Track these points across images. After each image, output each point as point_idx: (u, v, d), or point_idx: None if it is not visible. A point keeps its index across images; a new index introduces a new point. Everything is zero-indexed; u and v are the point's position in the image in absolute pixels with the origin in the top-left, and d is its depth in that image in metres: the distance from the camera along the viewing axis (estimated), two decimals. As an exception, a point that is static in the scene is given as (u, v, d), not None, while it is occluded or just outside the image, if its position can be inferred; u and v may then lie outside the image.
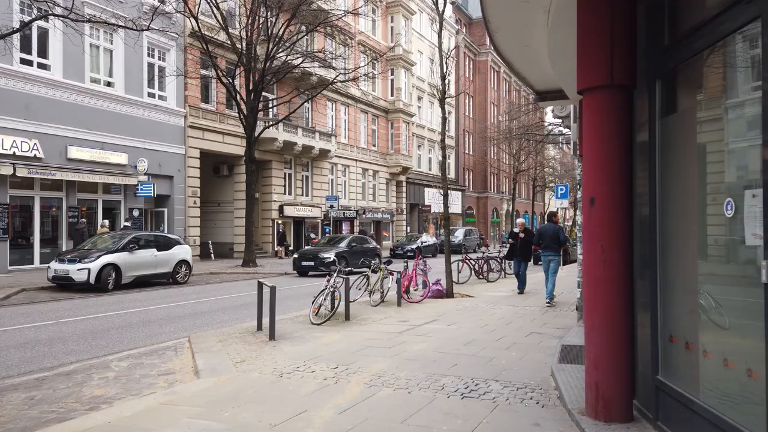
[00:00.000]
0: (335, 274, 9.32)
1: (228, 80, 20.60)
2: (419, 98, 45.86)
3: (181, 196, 23.66)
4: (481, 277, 16.80)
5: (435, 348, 6.86)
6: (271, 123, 24.05)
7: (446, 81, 13.16)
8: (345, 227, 35.76)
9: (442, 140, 13.39)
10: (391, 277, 11.30)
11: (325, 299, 9.09)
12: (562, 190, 22.44)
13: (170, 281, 16.19)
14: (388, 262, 11.66)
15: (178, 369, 6.21)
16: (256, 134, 22.14)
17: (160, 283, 16.08)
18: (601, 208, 3.86)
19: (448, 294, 12.65)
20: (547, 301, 11.22)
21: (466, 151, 56.57)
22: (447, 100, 47.17)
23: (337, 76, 24.44)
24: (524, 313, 9.91)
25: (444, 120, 13.23)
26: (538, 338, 7.50)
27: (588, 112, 4.01)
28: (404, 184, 42.68)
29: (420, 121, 45.82)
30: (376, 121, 39.23)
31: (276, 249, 27.63)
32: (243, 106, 21.16)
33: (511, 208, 58.37)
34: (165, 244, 16.26)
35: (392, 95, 40.28)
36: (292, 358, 6.32)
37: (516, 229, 13.82)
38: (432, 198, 47.33)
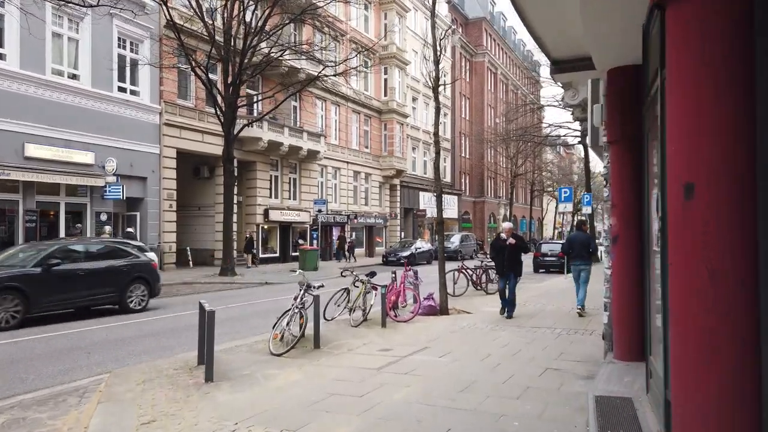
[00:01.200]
0: (302, 290, 7.62)
1: (203, 72, 18.87)
2: (414, 99, 44.27)
3: (156, 198, 21.90)
4: (479, 288, 15.12)
5: (421, 396, 5.15)
6: (251, 120, 22.30)
7: (440, 67, 11.48)
8: (335, 232, 34.04)
9: (435, 133, 11.74)
10: (374, 291, 9.60)
11: (290, 321, 7.38)
12: (565, 192, 20.88)
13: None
14: (371, 275, 9.96)
15: (65, 431, 4.49)
16: (236, 132, 20.43)
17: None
18: (709, 199, 2.14)
19: (443, 310, 10.96)
20: (579, 308, 10.83)
21: (463, 154, 54.99)
22: (443, 101, 45.44)
23: (323, 69, 22.71)
24: (533, 338, 8.22)
25: (437, 110, 11.58)
26: (558, 378, 5.79)
27: (679, 31, 2.32)
28: (398, 187, 41.01)
29: (415, 123, 44.20)
30: (368, 121, 37.58)
31: (246, 256, 25.57)
32: (219, 100, 19.45)
33: (508, 213, 56.81)
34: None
35: (386, 95, 38.66)
36: (221, 415, 4.59)
37: (503, 235, 10.90)
38: (427, 202, 45.69)
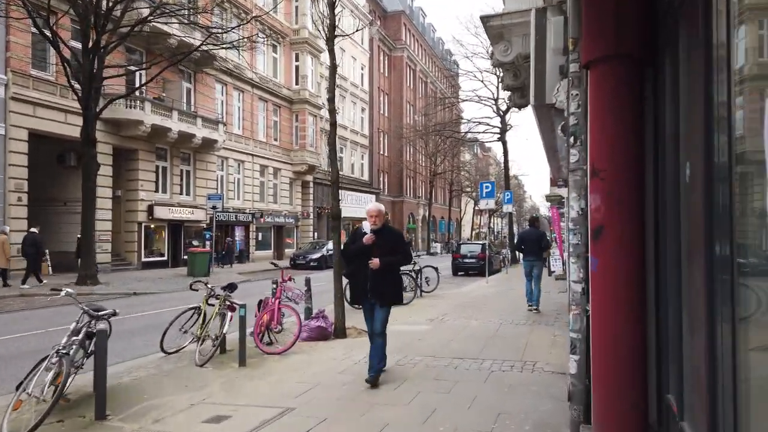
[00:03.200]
0: (80, 316, 4.66)
1: (48, 31, 15.04)
2: (329, 90, 41.41)
3: (0, 190, 17.70)
4: (390, 298, 12.54)
5: None
6: (116, 97, 18.30)
7: (336, 13, 8.78)
8: (238, 232, 30.54)
9: (330, 99, 9.00)
10: (229, 314, 6.71)
11: (47, 381, 4.35)
12: (487, 188, 18.87)
13: None
14: (230, 288, 7.06)
15: None
16: (98, 109, 16.72)
17: None
18: None
19: (338, 331, 8.28)
20: (534, 306, 10.98)
21: (381, 152, 52.82)
22: (359, 94, 43.25)
23: (208, 36, 19.38)
24: (454, 382, 5.70)
25: (333, 69, 8.83)
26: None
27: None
28: (311, 184, 38.02)
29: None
30: (278, 111, 34.32)
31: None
32: (73, 70, 15.73)
33: (428, 214, 55.31)
34: None
35: (297, 83, 35.55)
36: None
37: (365, 228, 5.84)
38: (343, 200, 42.99)
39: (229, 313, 6.64)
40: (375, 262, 5.49)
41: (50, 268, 20.11)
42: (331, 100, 8.98)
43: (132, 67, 20.64)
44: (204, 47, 21.90)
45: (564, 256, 21.02)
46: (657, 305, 3.28)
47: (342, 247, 7.07)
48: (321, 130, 39.13)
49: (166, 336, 6.92)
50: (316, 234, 38.52)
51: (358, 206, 46.18)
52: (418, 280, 14.01)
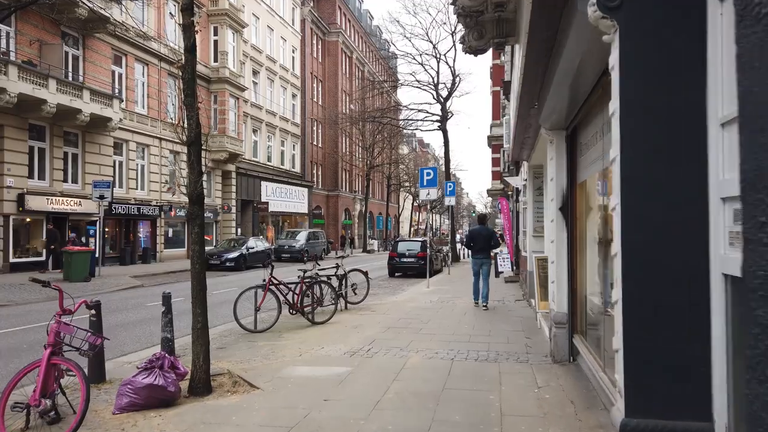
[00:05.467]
0: None
1: None
2: (255, 72, 37.56)
3: None
4: (296, 311, 9.29)
5: None
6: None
7: None
8: (143, 228, 26.37)
9: (189, 47, 5.68)
10: None
11: None
12: (428, 174, 16.04)
13: None
14: None
15: None
16: None
17: None
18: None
19: (196, 387, 5.07)
20: (484, 304, 10.87)
21: (314, 142, 49.28)
22: (290, 78, 39.27)
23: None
24: None
25: (191, 49, 5.54)
26: None
27: None
28: (233, 174, 34.06)
29: (256, 100, 37.52)
30: (192, 91, 30.14)
31: None
32: None
33: (364, 209, 52.29)
34: None
35: (216, 61, 31.52)
36: None
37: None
38: (272, 194, 39.31)
39: None
40: None
41: None
42: (189, 48, 5.67)
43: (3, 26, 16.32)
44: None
45: (512, 255, 18.53)
46: None
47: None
48: (244, 114, 35.22)
49: None
50: (239, 230, 34.65)
51: (288, 200, 42.51)
52: (343, 287, 10.90)
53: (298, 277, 9.58)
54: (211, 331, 8.72)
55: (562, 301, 6.07)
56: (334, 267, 10.87)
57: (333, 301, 10.00)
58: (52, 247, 18.17)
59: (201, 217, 5.73)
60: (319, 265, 10.54)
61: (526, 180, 12.19)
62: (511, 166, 20.82)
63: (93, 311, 5.52)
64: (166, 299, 6.75)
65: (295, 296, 9.14)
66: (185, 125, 5.66)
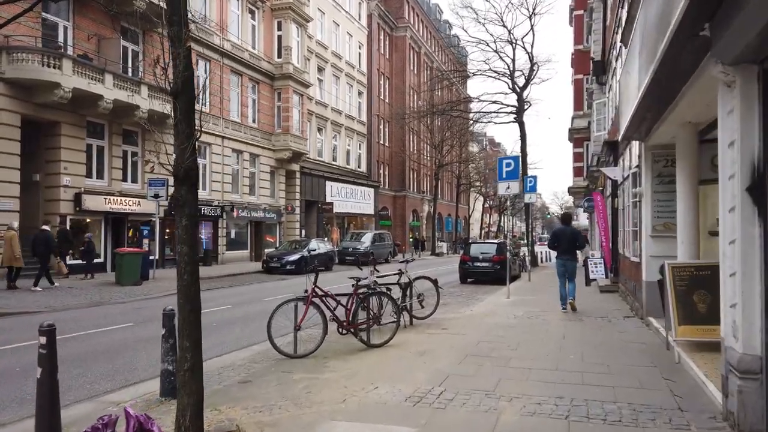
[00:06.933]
0: None
1: None
2: (320, 69, 36.39)
3: None
4: (345, 332, 7.37)
5: None
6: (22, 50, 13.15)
7: None
8: (204, 229, 25.57)
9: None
10: None
11: None
12: (509, 165, 13.74)
13: None
14: None
15: None
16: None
17: None
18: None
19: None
20: (571, 299, 10.69)
21: (381, 141, 47.68)
22: (357, 76, 37.85)
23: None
24: None
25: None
26: None
27: None
28: (297, 174, 32.96)
29: (321, 98, 36.35)
30: (256, 88, 29.28)
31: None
32: None
33: (433, 210, 50.05)
34: None
35: (280, 56, 30.51)
36: None
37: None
38: (337, 194, 38.01)
39: None
40: None
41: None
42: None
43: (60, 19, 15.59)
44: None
45: (609, 260, 15.83)
46: None
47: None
48: (309, 112, 34.08)
49: None
50: (303, 231, 33.51)
51: (354, 201, 41.10)
52: (407, 298, 8.91)
53: (352, 286, 7.70)
54: (243, 352, 7.00)
55: (754, 337, 3.81)
56: (396, 273, 8.92)
57: (394, 316, 8.04)
58: (60, 249, 17.03)
59: (191, 204, 3.95)
60: (378, 271, 8.61)
61: (637, 167, 9.73)
62: (602, 157, 18.08)
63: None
64: (167, 318, 5.06)
65: (346, 311, 7.25)
66: (168, 67, 3.88)
